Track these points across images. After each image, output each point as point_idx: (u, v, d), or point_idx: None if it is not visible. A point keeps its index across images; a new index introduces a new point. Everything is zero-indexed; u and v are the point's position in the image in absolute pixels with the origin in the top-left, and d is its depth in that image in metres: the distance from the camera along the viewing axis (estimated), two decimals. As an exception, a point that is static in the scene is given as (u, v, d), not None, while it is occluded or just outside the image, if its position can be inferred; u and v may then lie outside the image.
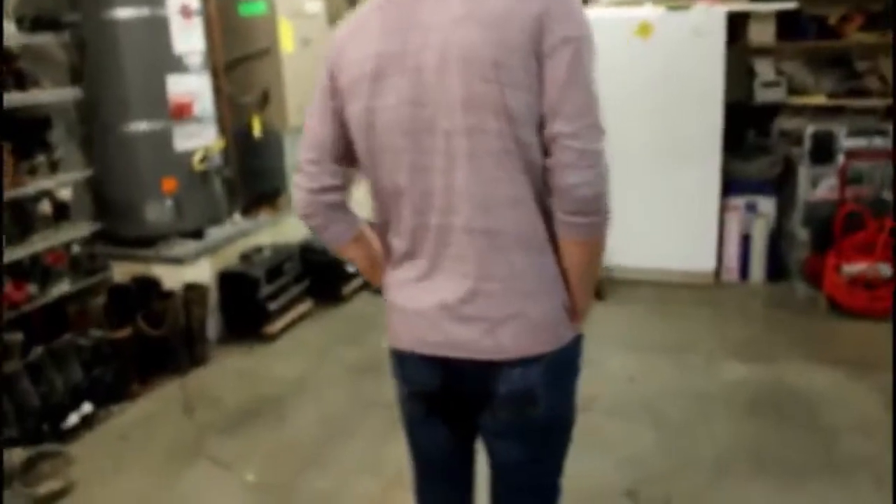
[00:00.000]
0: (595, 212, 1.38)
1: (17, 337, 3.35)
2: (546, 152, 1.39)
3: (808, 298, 4.37)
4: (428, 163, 1.41)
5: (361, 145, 1.47)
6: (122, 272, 4.02)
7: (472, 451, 1.70)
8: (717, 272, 4.73)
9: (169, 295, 3.81)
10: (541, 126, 1.37)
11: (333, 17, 4.90)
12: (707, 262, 4.68)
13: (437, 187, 1.41)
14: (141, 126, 3.93)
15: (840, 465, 2.84)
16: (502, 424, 1.54)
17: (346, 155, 1.51)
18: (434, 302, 1.46)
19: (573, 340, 1.52)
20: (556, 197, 1.39)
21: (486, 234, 1.41)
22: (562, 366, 1.51)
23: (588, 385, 3.52)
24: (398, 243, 1.51)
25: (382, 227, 1.54)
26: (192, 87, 4.07)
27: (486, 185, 1.39)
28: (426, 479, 1.75)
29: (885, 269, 4.06)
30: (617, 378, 3.59)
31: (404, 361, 1.57)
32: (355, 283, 4.68)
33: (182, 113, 4.01)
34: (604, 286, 4.45)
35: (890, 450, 2.88)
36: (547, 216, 1.44)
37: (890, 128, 4.44)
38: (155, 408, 3.53)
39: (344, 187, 1.55)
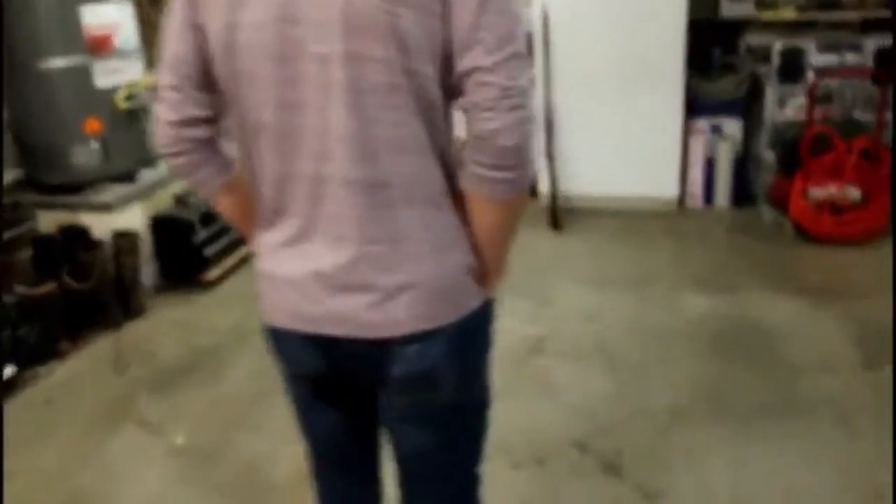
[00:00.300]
0: (519, 164, 1.14)
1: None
2: (455, 91, 1.14)
3: (775, 224, 4.20)
4: (298, 97, 1.14)
5: (221, 70, 1.19)
6: (49, 221, 3.77)
7: (374, 435, 1.50)
8: (681, 198, 4.54)
9: (96, 245, 3.57)
10: (445, 57, 1.12)
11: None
12: (670, 188, 4.49)
13: (308, 128, 1.15)
14: (57, 63, 3.61)
15: (802, 406, 2.70)
16: (402, 410, 1.34)
17: (212, 80, 1.22)
18: (309, 269, 1.22)
19: (481, 308, 1.30)
20: (473, 146, 1.13)
21: (370, 188, 1.16)
22: (468, 338, 1.30)
23: (540, 325, 3.43)
24: (264, 196, 1.25)
25: (249, 174, 1.28)
26: (110, 17, 3.74)
27: (369, 126, 1.13)
28: (322, 466, 1.55)
29: (853, 193, 3.87)
30: (572, 316, 3.42)
31: (280, 340, 1.34)
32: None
33: (101, 47, 3.70)
34: (560, 216, 4.25)
35: (854, 386, 2.76)
36: (446, 165, 1.21)
37: (863, 43, 4.20)
38: (85, 367, 3.33)
39: (214, 120, 1.27)
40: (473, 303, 1.28)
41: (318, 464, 1.55)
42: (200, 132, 1.26)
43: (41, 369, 3.27)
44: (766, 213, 4.29)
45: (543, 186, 4.48)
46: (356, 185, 1.16)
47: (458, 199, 1.23)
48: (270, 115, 1.17)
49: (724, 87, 4.45)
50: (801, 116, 4.13)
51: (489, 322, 1.36)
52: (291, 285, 1.25)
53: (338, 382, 1.36)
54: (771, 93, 4.29)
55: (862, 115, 4.18)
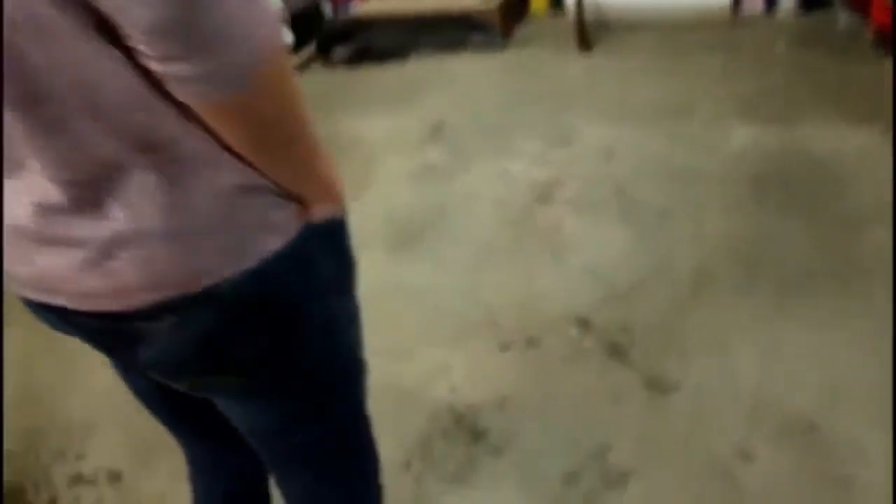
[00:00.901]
0: (199, 49, 0.63)
1: None
2: None
3: (851, 32, 3.49)
4: None
5: None
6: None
7: None
8: (736, 4, 3.81)
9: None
10: None
11: None
12: (723, -7, 3.76)
13: None
14: None
15: (856, 269, 2.21)
16: (199, 391, 0.95)
17: None
18: (13, 214, 0.79)
19: (294, 243, 0.82)
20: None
21: (26, 102, 0.69)
22: (274, 294, 0.83)
23: (551, 168, 2.94)
24: None
25: None
26: None
27: None
28: (171, 431, 1.19)
29: (953, -12, 3.13)
30: (591, 156, 2.92)
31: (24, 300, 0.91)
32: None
33: None
34: (589, 34, 3.62)
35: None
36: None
37: None
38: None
39: None
40: (273, 240, 0.80)
41: (167, 429, 1.19)
42: None
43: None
44: (842, 17, 3.57)
45: (569, -2, 3.82)
46: (17, 100, 0.69)
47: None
48: None
49: None
50: None
51: (324, 257, 0.88)
52: (6, 233, 0.82)
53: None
54: None
55: None
